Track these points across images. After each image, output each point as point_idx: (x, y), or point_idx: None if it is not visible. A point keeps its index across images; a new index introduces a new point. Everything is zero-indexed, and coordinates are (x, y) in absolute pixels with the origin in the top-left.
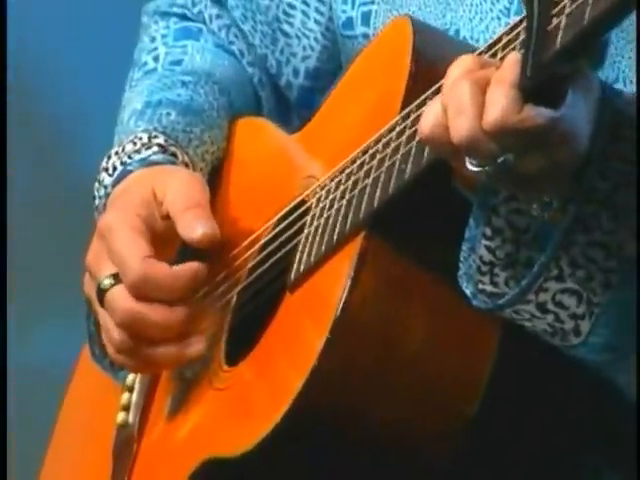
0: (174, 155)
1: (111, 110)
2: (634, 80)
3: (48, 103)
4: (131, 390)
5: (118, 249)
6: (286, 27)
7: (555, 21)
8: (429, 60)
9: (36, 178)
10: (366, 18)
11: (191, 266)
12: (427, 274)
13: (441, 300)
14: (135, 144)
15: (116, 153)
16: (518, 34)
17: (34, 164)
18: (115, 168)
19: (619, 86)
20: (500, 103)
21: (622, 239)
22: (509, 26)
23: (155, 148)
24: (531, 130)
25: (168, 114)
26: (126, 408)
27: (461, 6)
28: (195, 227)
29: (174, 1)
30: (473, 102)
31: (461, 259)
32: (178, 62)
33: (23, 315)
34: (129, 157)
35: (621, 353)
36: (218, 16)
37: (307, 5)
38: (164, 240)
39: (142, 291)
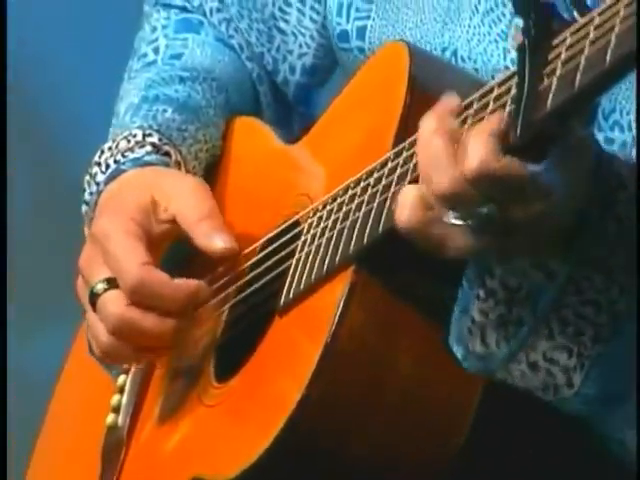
0: (167, 154)
1: (111, 113)
2: (631, 110)
3: (48, 106)
4: (122, 391)
5: (115, 254)
6: (282, 24)
7: (546, 81)
8: (425, 89)
9: (36, 183)
10: (361, 33)
11: (195, 283)
12: (415, 310)
13: (428, 335)
14: (129, 141)
15: (109, 148)
16: (509, 88)
17: (33, 171)
18: (108, 165)
19: (615, 117)
20: (480, 151)
21: (613, 296)
22: (501, 78)
23: (148, 147)
24: (510, 179)
25: (164, 111)
26: (116, 410)
27: (459, 27)
28: (214, 238)
29: None
30: (448, 154)
31: (452, 320)
32: (178, 56)
33: (22, 321)
34: (122, 155)
35: (614, 405)
36: (218, 9)
37: (303, 3)
38: (156, 245)
39: (138, 296)
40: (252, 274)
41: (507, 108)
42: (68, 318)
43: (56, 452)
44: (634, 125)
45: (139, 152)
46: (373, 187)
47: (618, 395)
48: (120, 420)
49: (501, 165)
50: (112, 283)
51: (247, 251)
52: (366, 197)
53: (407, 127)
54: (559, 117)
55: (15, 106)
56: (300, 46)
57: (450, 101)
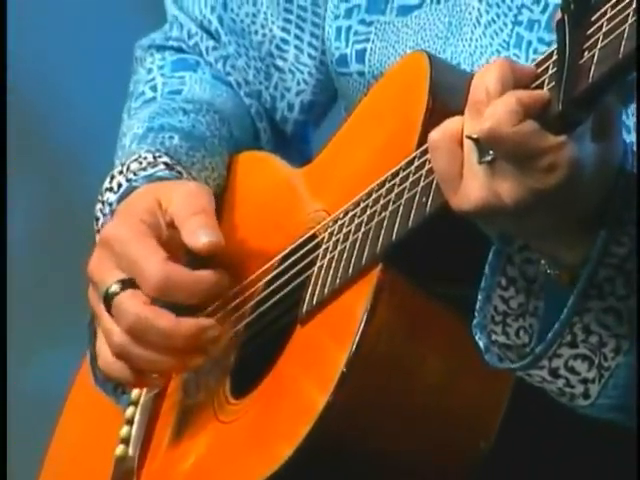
0: (180, 174)
1: (116, 128)
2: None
3: (48, 108)
4: (131, 423)
5: (132, 255)
6: (279, 62)
7: (587, 55)
8: (446, 94)
9: (38, 202)
10: (361, 56)
11: (214, 273)
12: (443, 309)
13: (457, 334)
14: (140, 163)
15: (120, 172)
16: (547, 69)
17: (34, 197)
18: (120, 185)
19: (621, 118)
20: (496, 112)
21: (632, 304)
22: (538, 60)
23: (161, 166)
24: (525, 145)
25: (171, 137)
26: (125, 441)
27: (460, 41)
28: (199, 234)
29: (169, 35)
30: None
31: (476, 308)
32: (177, 92)
33: (22, 343)
34: (134, 174)
35: (631, 413)
36: (214, 48)
37: (300, 40)
38: (169, 250)
39: (163, 292)
40: (269, 289)
41: (545, 87)
42: (69, 339)
43: None
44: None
45: (151, 170)
46: (399, 186)
47: (631, 404)
48: (130, 451)
49: (515, 130)
50: (127, 284)
51: (263, 269)
52: (392, 196)
53: (430, 131)
54: (602, 89)
55: (15, 107)
56: (298, 83)
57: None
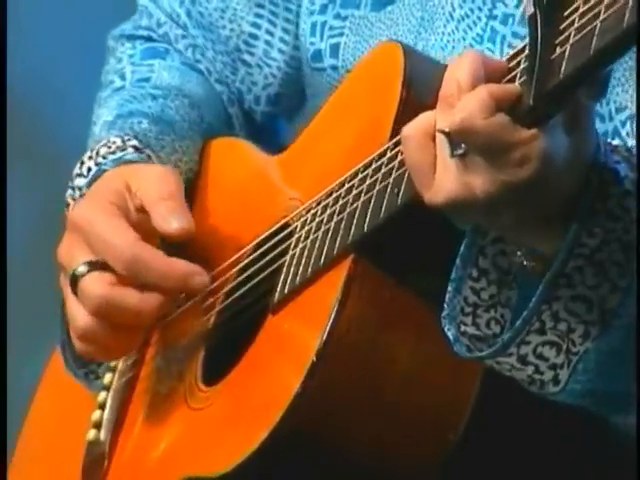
0: (149, 157)
1: None
2: (612, 99)
3: (51, 122)
4: (103, 407)
5: (102, 233)
6: (246, 57)
7: (559, 50)
8: (420, 85)
9: (37, 202)
10: (335, 50)
11: (192, 265)
12: (414, 300)
13: (427, 326)
14: (109, 147)
15: (90, 157)
16: (518, 63)
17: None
18: (90, 169)
19: (595, 107)
20: (468, 105)
21: (604, 293)
22: (510, 54)
23: (130, 149)
24: (496, 138)
25: (140, 122)
26: (97, 425)
27: (432, 35)
28: (170, 219)
29: (139, 24)
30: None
31: (446, 300)
32: (146, 79)
33: (22, 340)
34: (104, 158)
35: (601, 398)
36: (183, 36)
37: (271, 35)
38: (138, 233)
39: (133, 272)
40: (241, 277)
41: (517, 81)
42: None
43: (33, 470)
44: (634, 126)
45: (120, 154)
46: (372, 177)
47: (605, 390)
48: (102, 435)
49: (486, 123)
50: (94, 266)
51: (235, 256)
52: (365, 187)
53: (403, 122)
54: (572, 84)
55: (15, 107)
56: (265, 77)
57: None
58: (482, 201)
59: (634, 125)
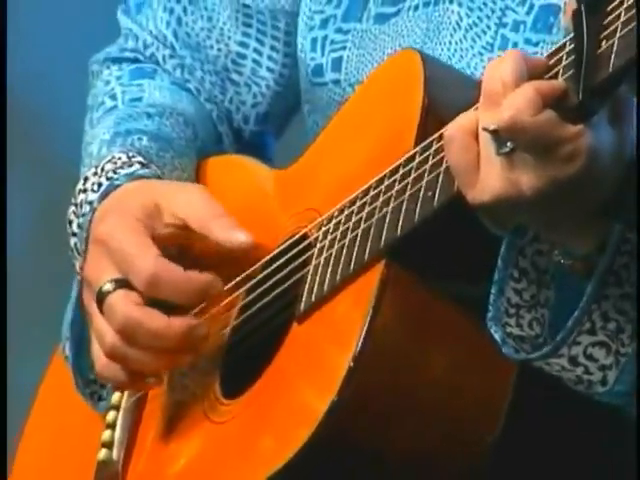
0: (156, 174)
1: None
2: None
3: (51, 122)
4: (112, 427)
5: (126, 250)
6: (235, 76)
7: (605, 44)
8: (440, 90)
9: (37, 203)
10: (337, 64)
11: (208, 275)
12: (447, 304)
13: (461, 328)
14: (115, 163)
15: (95, 174)
16: (559, 60)
17: (32, 198)
18: (100, 185)
19: None
20: (516, 101)
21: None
22: (550, 51)
23: (137, 165)
24: (544, 135)
25: (140, 139)
26: (108, 445)
27: (439, 45)
28: (235, 231)
29: (124, 47)
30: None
31: (490, 302)
32: (139, 99)
33: (22, 341)
34: (114, 172)
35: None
36: (171, 56)
37: (259, 54)
38: (162, 250)
39: (154, 289)
40: (260, 289)
41: (560, 78)
42: None
43: None
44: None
45: (130, 169)
46: (400, 182)
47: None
48: (114, 454)
49: (534, 120)
50: (120, 283)
51: (251, 269)
52: (394, 192)
53: (426, 128)
54: (620, 78)
55: (14, 108)
56: (254, 96)
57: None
58: (529, 198)
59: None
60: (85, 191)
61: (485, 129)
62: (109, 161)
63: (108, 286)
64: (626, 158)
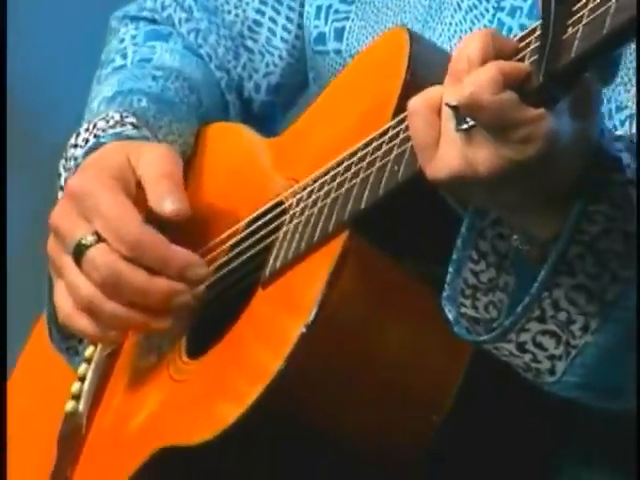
0: (146, 137)
1: None
2: (613, 98)
3: (51, 123)
4: (83, 380)
5: (105, 209)
6: (250, 43)
7: (571, 30)
8: (424, 70)
9: (36, 203)
10: (339, 34)
11: (195, 256)
12: (408, 280)
13: (420, 307)
14: (107, 122)
15: (86, 130)
16: (529, 43)
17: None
18: (87, 141)
19: (610, 106)
20: (478, 78)
21: (605, 284)
22: (521, 35)
23: (129, 126)
24: (503, 115)
25: (139, 100)
26: (76, 397)
27: (440, 25)
28: (166, 200)
29: (143, 6)
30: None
31: (447, 281)
32: (148, 60)
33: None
34: (103, 131)
35: (597, 393)
36: (187, 20)
37: (275, 23)
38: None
39: (136, 254)
40: (232, 253)
41: (527, 61)
42: None
43: (13, 444)
44: (634, 126)
45: (119, 129)
46: (372, 155)
47: (600, 386)
48: (80, 406)
49: (495, 99)
50: (102, 237)
51: (227, 233)
52: (364, 164)
53: (405, 104)
54: (583, 65)
55: (14, 108)
56: (267, 65)
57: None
58: (484, 177)
59: (634, 125)
60: (75, 146)
61: (447, 104)
62: (102, 119)
63: (90, 239)
64: (589, 148)
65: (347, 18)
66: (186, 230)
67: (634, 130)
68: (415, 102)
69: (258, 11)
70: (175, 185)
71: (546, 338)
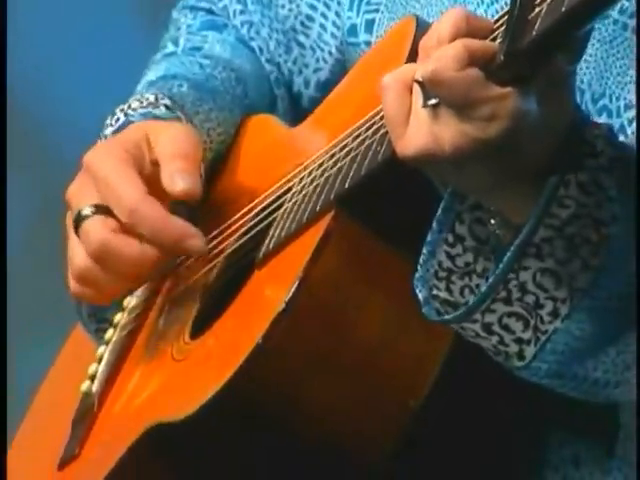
0: (179, 119)
1: None
2: (622, 96)
3: (51, 123)
4: (100, 361)
5: (111, 179)
6: (302, 38)
7: (537, 10)
8: None
9: (36, 203)
10: (369, 26)
11: (192, 228)
12: (393, 262)
13: (404, 290)
14: (142, 102)
15: (121, 110)
16: (503, 24)
17: (31, 192)
18: (118, 119)
19: (604, 101)
20: (443, 55)
21: (574, 270)
22: (498, 15)
23: (162, 107)
24: (468, 91)
25: (180, 85)
26: (92, 377)
27: None
28: (177, 179)
29: None
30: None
31: (420, 262)
32: (198, 49)
33: (22, 334)
34: (134, 110)
35: (570, 382)
36: (242, 12)
37: (325, 18)
38: (149, 186)
39: (134, 222)
40: (238, 234)
41: (498, 41)
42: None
43: (40, 421)
44: (634, 124)
45: (150, 109)
46: (363, 135)
47: (572, 374)
48: (94, 387)
49: (458, 75)
50: (100, 209)
51: (238, 215)
52: (355, 144)
53: None
54: (545, 43)
55: (14, 109)
56: (317, 61)
57: None
58: (449, 155)
59: (634, 125)
60: (108, 126)
61: (415, 80)
62: (137, 99)
63: (87, 210)
64: (560, 131)
65: (377, 10)
66: (208, 217)
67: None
68: (388, 78)
69: (311, 6)
70: (189, 164)
71: (512, 320)
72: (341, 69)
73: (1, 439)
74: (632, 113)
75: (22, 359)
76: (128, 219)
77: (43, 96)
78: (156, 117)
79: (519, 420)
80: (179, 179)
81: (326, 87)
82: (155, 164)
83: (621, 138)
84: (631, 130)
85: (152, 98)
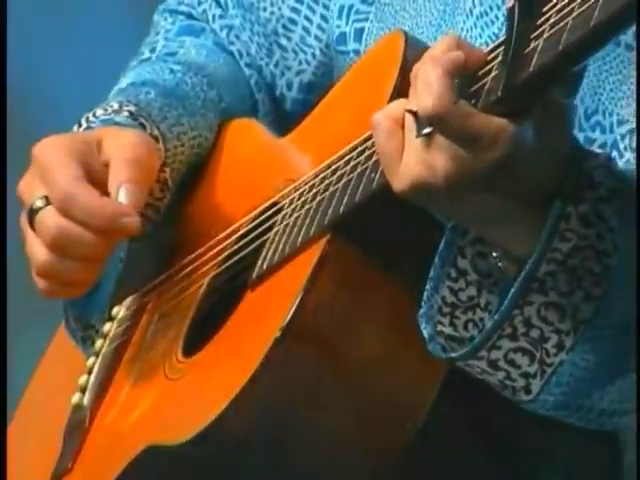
0: (142, 126)
1: None
2: (615, 112)
3: (51, 123)
4: (90, 372)
5: (49, 167)
6: (283, 41)
7: (533, 44)
8: None
9: None
10: (359, 34)
11: (120, 204)
12: (388, 287)
13: (399, 316)
14: (106, 110)
15: (86, 118)
16: (497, 55)
17: None
18: (80, 126)
19: (597, 117)
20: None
21: (577, 302)
22: (491, 47)
23: (125, 114)
24: (460, 121)
25: (147, 92)
26: (83, 390)
27: (452, 30)
28: (121, 187)
29: (182, 0)
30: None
31: (424, 298)
32: (173, 54)
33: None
34: (96, 117)
35: (576, 413)
36: (221, 16)
37: (309, 21)
38: (99, 187)
39: (66, 209)
40: (228, 252)
41: (493, 73)
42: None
43: (26, 435)
44: (627, 139)
45: (111, 116)
46: (355, 160)
47: (578, 405)
48: (85, 399)
49: (455, 107)
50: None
51: (225, 233)
52: (348, 169)
53: None
54: (542, 78)
55: (14, 108)
56: (300, 63)
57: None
58: (443, 184)
59: (634, 138)
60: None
61: (408, 110)
62: (102, 107)
63: (39, 203)
64: (557, 163)
65: (366, 19)
66: (189, 226)
67: (634, 144)
68: (378, 116)
69: (293, 9)
70: (139, 174)
71: (519, 356)
72: (326, 72)
73: (1, 439)
74: (625, 128)
75: (22, 359)
76: (60, 203)
77: (43, 96)
78: (116, 124)
79: (518, 449)
80: (122, 188)
81: (310, 89)
82: (106, 166)
83: (614, 154)
84: (624, 144)
85: (116, 105)
